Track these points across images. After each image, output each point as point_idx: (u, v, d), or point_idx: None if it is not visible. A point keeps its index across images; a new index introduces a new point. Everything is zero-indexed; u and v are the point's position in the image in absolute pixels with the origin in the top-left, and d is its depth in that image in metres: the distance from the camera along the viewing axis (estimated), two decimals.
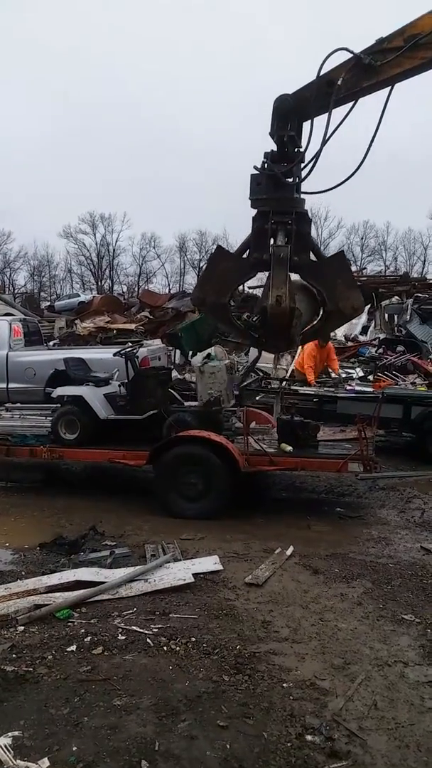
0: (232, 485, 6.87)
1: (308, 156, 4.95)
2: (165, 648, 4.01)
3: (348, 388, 10.87)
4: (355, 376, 13.20)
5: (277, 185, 4.98)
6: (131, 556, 5.67)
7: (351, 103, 4.82)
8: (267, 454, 6.99)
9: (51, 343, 18.58)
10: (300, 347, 11.39)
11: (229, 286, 5.29)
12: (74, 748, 3.03)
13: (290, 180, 5.01)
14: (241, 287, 5.84)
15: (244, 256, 5.22)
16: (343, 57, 4.70)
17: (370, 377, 13.01)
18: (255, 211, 5.10)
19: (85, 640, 4.09)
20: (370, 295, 20.64)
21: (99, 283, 59.57)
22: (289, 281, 4.84)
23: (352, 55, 4.65)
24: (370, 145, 4.82)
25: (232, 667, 3.77)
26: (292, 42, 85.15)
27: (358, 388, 10.94)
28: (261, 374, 14.13)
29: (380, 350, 16.62)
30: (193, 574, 5.08)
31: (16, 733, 3.15)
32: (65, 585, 4.89)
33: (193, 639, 4.11)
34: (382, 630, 4.34)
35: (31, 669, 3.75)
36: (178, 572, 5.12)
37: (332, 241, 57.31)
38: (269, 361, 16.24)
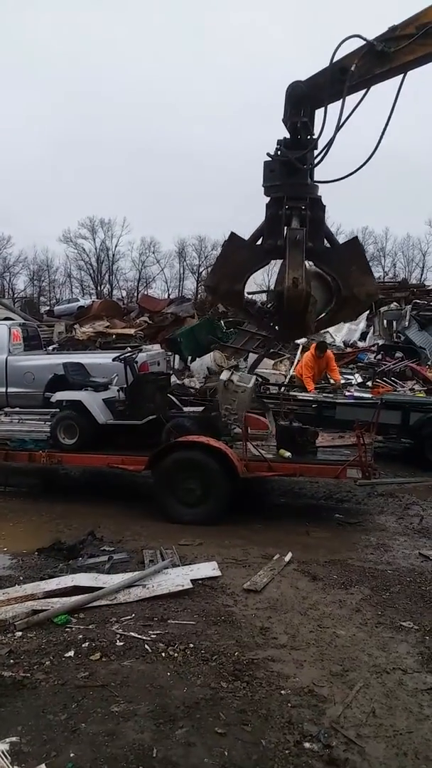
0: (231, 491, 6.87)
1: (321, 145, 4.93)
2: (163, 654, 4.00)
3: (347, 394, 10.88)
4: (353, 382, 13.22)
5: (291, 171, 4.95)
6: (129, 561, 5.66)
7: (363, 91, 4.82)
8: (266, 460, 6.99)
9: (50, 348, 18.58)
10: (299, 354, 11.43)
11: (243, 273, 5.22)
12: (71, 755, 3.02)
13: (304, 166, 4.96)
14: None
15: (258, 243, 5.18)
16: (355, 44, 4.71)
17: (369, 383, 13.02)
18: (266, 202, 5.08)
19: (83, 645, 4.09)
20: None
21: (98, 288, 59.71)
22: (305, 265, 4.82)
23: (364, 42, 4.67)
24: (383, 134, 4.83)
25: (230, 674, 3.76)
26: (294, 45, 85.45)
27: (356, 394, 10.96)
28: (260, 379, 14.16)
29: (379, 356, 16.64)
30: (192, 580, 5.07)
31: (13, 738, 3.14)
32: (63, 590, 4.88)
33: (191, 645, 4.10)
34: (381, 637, 4.33)
35: (28, 674, 3.74)
36: (177, 578, 5.11)
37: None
38: (268, 366, 16.29)
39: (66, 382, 8.54)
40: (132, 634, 4.24)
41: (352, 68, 4.68)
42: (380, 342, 18.45)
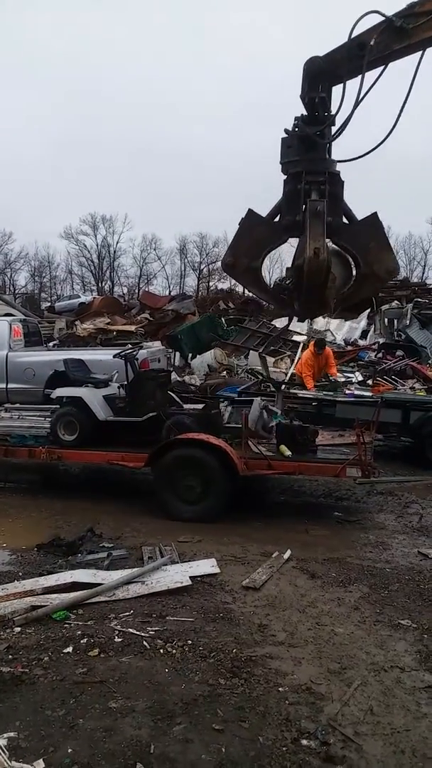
0: (231, 488, 6.87)
1: (339, 123, 4.89)
2: (161, 651, 4.00)
3: (347, 392, 10.87)
4: (354, 380, 13.21)
5: (309, 147, 4.92)
6: (128, 558, 5.67)
7: (381, 68, 4.78)
8: (266, 458, 6.99)
9: (51, 344, 18.59)
10: (300, 352, 11.43)
11: (261, 250, 5.17)
12: (69, 750, 3.03)
13: (322, 139, 4.93)
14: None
15: (276, 220, 5.14)
16: (373, 21, 4.68)
17: (369, 382, 13.02)
18: (283, 179, 5.03)
19: (82, 641, 4.09)
20: (370, 300, 20.68)
21: (99, 285, 59.64)
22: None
23: (383, 18, 4.64)
24: (401, 112, 4.79)
25: (228, 671, 3.77)
26: (294, 44, 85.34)
27: (357, 392, 10.95)
28: (260, 377, 14.17)
29: (379, 355, 16.62)
30: (190, 577, 5.08)
31: (11, 734, 3.15)
32: (62, 586, 4.89)
33: (190, 642, 4.11)
34: (379, 635, 4.33)
35: (27, 670, 3.75)
36: (176, 575, 5.12)
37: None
38: (268, 364, 16.28)
39: (66, 378, 8.55)
40: (130, 630, 4.25)
41: (371, 43, 4.63)
42: (381, 340, 18.44)
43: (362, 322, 20.46)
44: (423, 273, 51.53)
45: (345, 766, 2.99)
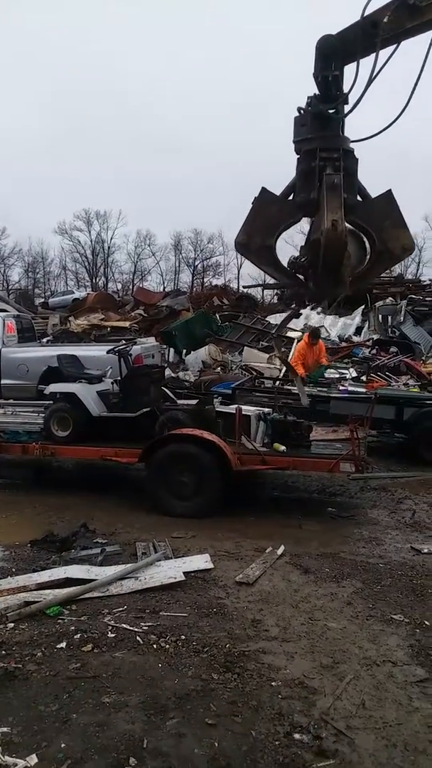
0: (224, 484, 6.87)
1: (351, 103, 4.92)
2: (155, 646, 4.01)
3: (341, 388, 10.90)
4: (348, 376, 13.24)
5: (323, 124, 4.91)
6: (122, 553, 5.67)
7: (394, 47, 4.78)
8: (259, 454, 7.00)
9: (44, 340, 18.55)
10: (295, 343, 11.49)
11: (275, 229, 5.12)
12: (62, 745, 3.04)
13: (336, 115, 4.94)
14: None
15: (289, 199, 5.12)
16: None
17: (363, 378, 13.06)
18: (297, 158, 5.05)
19: (75, 637, 4.10)
20: (364, 297, 20.74)
21: (93, 281, 59.47)
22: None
23: None
24: (414, 89, 4.80)
25: (221, 666, 3.78)
26: (289, 39, 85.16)
27: (351, 388, 10.97)
28: (254, 373, 14.18)
29: (374, 351, 16.68)
30: (184, 573, 5.09)
31: (4, 729, 3.16)
32: (55, 582, 4.89)
33: (183, 637, 4.12)
34: (372, 630, 4.35)
35: (20, 666, 3.75)
36: (169, 570, 5.12)
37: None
38: (261, 360, 16.32)
39: (60, 374, 8.53)
40: (124, 625, 4.25)
41: (384, 21, 4.62)
42: (375, 337, 18.50)
43: (356, 318, 20.51)
44: (417, 270, 51.53)
45: (337, 760, 3.00)
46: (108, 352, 8.37)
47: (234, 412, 7.24)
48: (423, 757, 3.04)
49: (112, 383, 8.10)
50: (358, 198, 5.08)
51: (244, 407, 7.61)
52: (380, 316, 20.05)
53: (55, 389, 7.94)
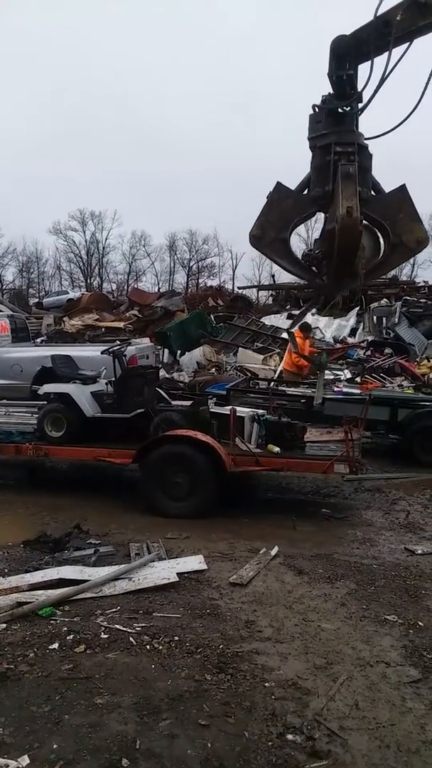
0: (219, 485, 6.87)
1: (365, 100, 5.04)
2: (148, 647, 4.00)
3: (336, 389, 10.92)
4: (342, 377, 13.27)
5: (338, 121, 5.03)
6: (115, 554, 5.65)
7: (406, 45, 4.86)
8: (254, 455, 6.99)
9: (38, 340, 18.51)
10: (289, 344, 11.62)
11: (289, 222, 5.21)
12: (54, 746, 3.02)
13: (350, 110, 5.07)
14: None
15: (304, 193, 5.22)
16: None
17: (358, 379, 13.08)
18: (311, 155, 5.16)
19: (68, 638, 4.08)
20: (359, 298, 20.75)
21: (88, 281, 59.41)
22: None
23: None
24: (426, 86, 4.85)
25: (214, 667, 3.77)
26: (281, 41, 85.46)
27: (345, 389, 11.00)
28: (248, 374, 14.18)
29: (368, 352, 16.72)
30: (178, 573, 5.07)
31: None
32: (48, 583, 4.87)
33: (176, 638, 4.10)
34: (365, 630, 4.35)
35: (12, 666, 3.73)
36: (163, 571, 5.11)
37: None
38: (256, 361, 16.33)
39: (54, 374, 8.50)
40: (117, 626, 4.24)
41: (398, 17, 4.71)
42: (370, 338, 18.55)
43: (351, 319, 20.55)
44: (412, 271, 51.67)
45: (330, 761, 3.00)
46: (102, 353, 8.36)
47: (228, 413, 7.23)
48: (416, 758, 3.04)
49: (107, 384, 8.08)
50: (372, 193, 5.17)
51: (238, 408, 7.60)
52: (375, 317, 20.11)
53: (49, 390, 7.92)
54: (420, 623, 4.47)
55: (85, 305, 26.08)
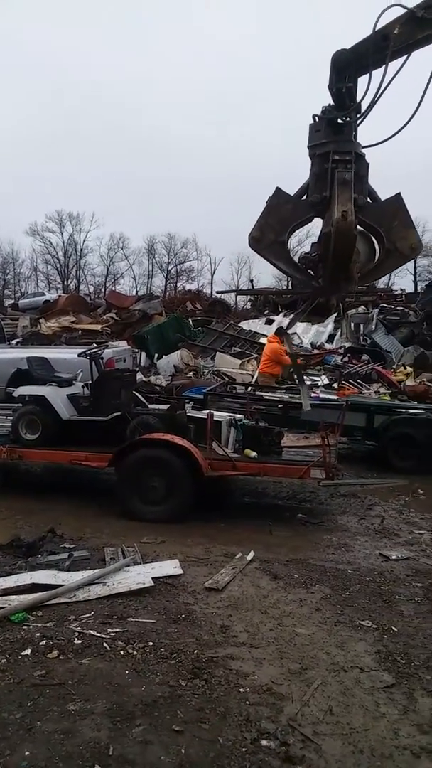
0: (195, 489, 6.85)
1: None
2: (122, 652, 3.96)
3: (313, 395, 10.96)
4: (320, 383, 13.33)
5: (337, 131, 5.26)
6: (90, 559, 5.60)
7: (404, 58, 5.11)
8: (230, 459, 6.99)
9: (14, 342, 18.32)
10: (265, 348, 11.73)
11: (287, 226, 5.44)
12: (26, 753, 2.98)
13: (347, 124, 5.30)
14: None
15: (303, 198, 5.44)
16: (396, 13, 5.04)
17: (335, 385, 13.15)
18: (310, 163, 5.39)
19: (41, 644, 4.03)
20: (337, 305, 20.93)
21: (65, 283, 58.99)
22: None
23: (405, 10, 4.97)
24: (423, 96, 5.09)
25: (189, 672, 3.75)
26: (270, 42, 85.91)
27: (322, 395, 11.05)
28: (226, 378, 14.19)
29: (345, 359, 16.83)
30: (153, 578, 5.04)
31: None
32: (21, 588, 4.81)
33: (151, 643, 4.07)
34: (340, 636, 4.36)
35: None
36: (138, 576, 5.07)
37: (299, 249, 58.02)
38: (234, 365, 16.35)
39: (29, 376, 8.41)
40: (91, 632, 4.19)
41: (396, 31, 4.95)
42: (347, 345, 18.67)
43: (329, 326, 20.69)
44: (389, 279, 52.09)
45: (304, 766, 2.99)
46: (79, 355, 8.30)
47: (205, 417, 7.22)
48: (389, 763, 3.05)
49: (83, 387, 8.03)
50: (368, 200, 5.40)
51: (215, 412, 7.60)
52: (352, 324, 20.28)
53: (24, 392, 7.84)
54: (394, 628, 4.50)
55: (62, 307, 25.91)
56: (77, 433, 7.61)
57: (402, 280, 48.79)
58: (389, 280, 51.81)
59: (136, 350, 17.38)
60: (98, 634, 4.16)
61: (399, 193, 5.42)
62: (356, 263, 5.16)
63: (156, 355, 18.12)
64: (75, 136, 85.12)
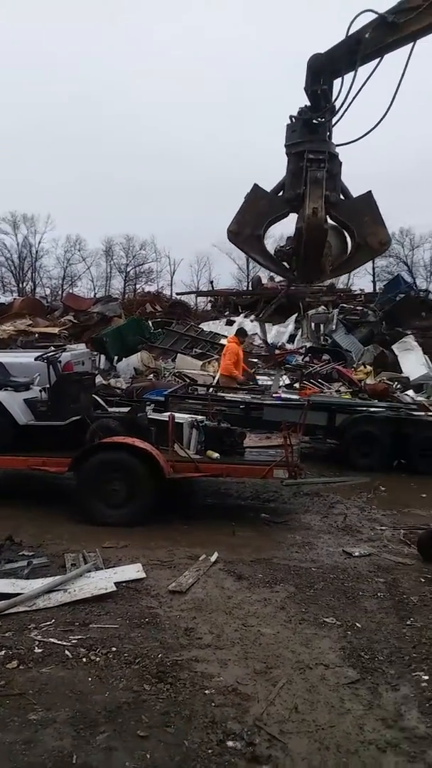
0: (157, 492, 6.79)
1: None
2: (84, 659, 3.89)
3: (274, 395, 11.01)
4: (281, 383, 13.40)
5: (312, 131, 5.52)
6: (50, 565, 5.49)
7: (377, 61, 5.38)
8: (193, 461, 6.95)
9: None
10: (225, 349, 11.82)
11: (263, 220, 5.72)
12: None
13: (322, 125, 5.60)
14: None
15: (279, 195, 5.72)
16: (368, 18, 5.31)
17: (296, 385, 13.24)
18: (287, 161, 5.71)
19: None
20: (297, 305, 21.13)
21: (20, 285, 57.84)
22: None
23: (376, 15, 5.23)
24: (394, 97, 5.41)
25: (153, 676, 3.70)
26: (262, 43, 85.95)
27: (284, 395, 11.10)
28: (187, 380, 14.16)
29: (306, 358, 16.97)
30: (115, 583, 4.97)
31: None
32: None
33: (114, 649, 4.01)
34: (304, 634, 4.37)
35: None
36: (100, 581, 5.00)
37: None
38: (195, 367, 16.33)
39: None
40: (51, 640, 4.11)
41: (367, 35, 5.22)
42: (308, 344, 18.82)
43: (290, 326, 20.83)
44: (348, 279, 52.84)
45: (270, 766, 2.98)
46: (36, 359, 8.15)
47: (167, 419, 7.17)
48: (355, 758, 3.06)
49: (41, 391, 7.89)
50: (341, 197, 5.66)
51: (177, 414, 7.56)
52: (313, 324, 20.43)
53: None
54: (357, 624, 4.53)
55: (18, 310, 25.40)
56: (35, 438, 7.46)
57: (361, 280, 49.40)
58: (348, 280, 52.70)
59: (95, 353, 17.19)
60: (59, 642, 4.08)
61: (370, 191, 5.81)
62: (328, 257, 5.46)
63: (116, 358, 17.96)
64: (21, 133, 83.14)
